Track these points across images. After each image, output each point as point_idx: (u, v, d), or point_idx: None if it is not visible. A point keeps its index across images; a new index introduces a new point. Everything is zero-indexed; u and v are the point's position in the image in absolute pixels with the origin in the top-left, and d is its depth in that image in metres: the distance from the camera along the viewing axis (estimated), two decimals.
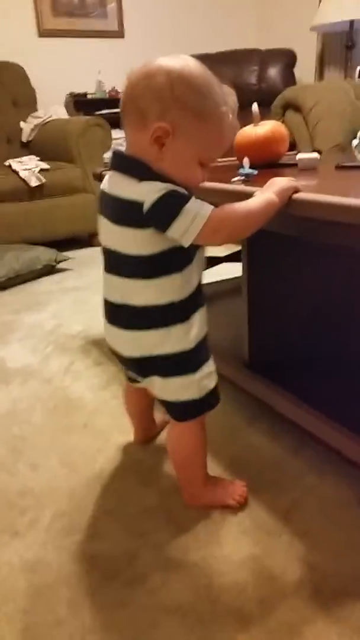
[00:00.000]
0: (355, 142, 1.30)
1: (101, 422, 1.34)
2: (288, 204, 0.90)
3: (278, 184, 0.90)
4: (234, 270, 1.31)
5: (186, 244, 0.81)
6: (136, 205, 0.81)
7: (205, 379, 0.96)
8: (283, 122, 2.79)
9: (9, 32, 3.43)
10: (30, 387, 1.54)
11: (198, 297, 0.94)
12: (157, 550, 0.94)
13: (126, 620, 0.81)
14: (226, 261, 2.04)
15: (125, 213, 0.84)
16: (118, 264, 0.89)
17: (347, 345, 1.32)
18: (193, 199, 0.81)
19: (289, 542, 0.94)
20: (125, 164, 0.86)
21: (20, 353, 1.77)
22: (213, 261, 2.05)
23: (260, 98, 3.41)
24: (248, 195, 0.90)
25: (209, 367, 0.97)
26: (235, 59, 3.70)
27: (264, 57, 3.70)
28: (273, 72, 3.67)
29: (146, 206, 0.80)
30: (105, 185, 0.91)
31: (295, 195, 0.90)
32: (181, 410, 0.97)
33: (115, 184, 0.87)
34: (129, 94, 0.84)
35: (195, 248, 0.90)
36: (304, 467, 1.12)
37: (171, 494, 1.07)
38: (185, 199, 0.80)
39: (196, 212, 0.80)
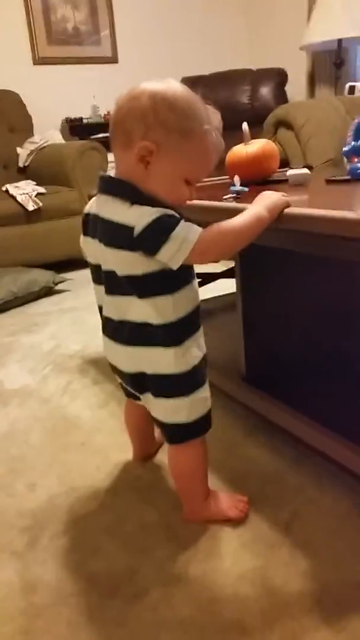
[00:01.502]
0: (345, 149, 1.31)
1: (99, 441, 1.34)
2: (279, 219, 0.91)
3: (269, 198, 0.92)
4: (231, 285, 1.33)
5: (175, 267, 0.83)
6: (127, 229, 0.83)
7: (195, 404, 0.96)
8: (275, 139, 2.84)
9: (5, 60, 3.51)
10: (28, 407, 1.54)
11: (193, 322, 0.94)
12: (157, 565, 0.93)
13: (127, 637, 0.80)
14: (223, 277, 2.06)
15: (117, 236, 0.85)
16: (114, 284, 0.91)
17: (342, 357, 1.32)
18: (182, 222, 0.82)
19: (290, 554, 0.93)
20: (115, 187, 0.88)
21: (18, 374, 1.78)
22: (210, 277, 2.07)
23: (253, 117, 3.47)
24: (239, 212, 0.91)
25: (202, 393, 0.97)
26: (228, 80, 3.77)
27: (256, 77, 3.76)
28: (265, 91, 3.73)
29: (137, 231, 0.82)
30: (92, 208, 0.93)
31: (287, 210, 0.91)
32: (172, 432, 0.98)
33: (105, 207, 0.88)
34: (116, 117, 0.86)
35: (190, 274, 0.92)
36: (303, 479, 1.12)
37: (170, 510, 1.06)
38: (173, 224, 0.81)
39: (184, 236, 0.81)
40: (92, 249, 0.94)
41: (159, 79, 0.87)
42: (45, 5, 3.58)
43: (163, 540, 0.99)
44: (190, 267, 0.93)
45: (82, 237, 0.98)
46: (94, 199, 0.95)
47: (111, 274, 0.90)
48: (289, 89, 3.79)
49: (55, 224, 2.95)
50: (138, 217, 0.82)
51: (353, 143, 1.18)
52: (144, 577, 0.91)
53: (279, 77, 3.76)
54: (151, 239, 0.82)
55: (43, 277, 2.61)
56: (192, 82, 3.85)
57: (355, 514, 1.01)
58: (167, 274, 0.86)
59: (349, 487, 1.07)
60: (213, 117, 0.89)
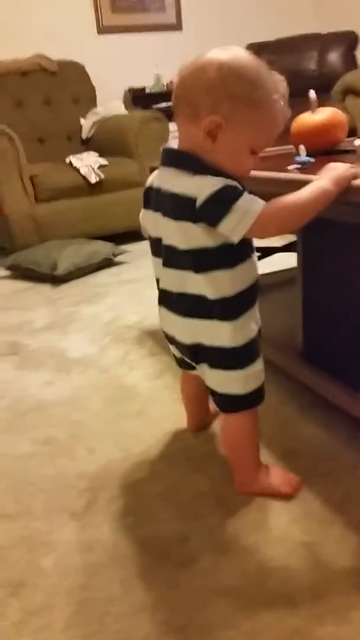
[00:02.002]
0: None
1: (155, 410, 1.37)
2: (346, 192, 0.88)
3: (335, 170, 0.89)
4: (291, 260, 1.31)
5: (236, 239, 0.83)
6: (190, 201, 0.83)
7: (250, 377, 0.96)
8: (344, 107, 2.73)
9: (70, 30, 3.52)
10: (89, 375, 1.59)
11: (250, 296, 0.94)
12: (208, 533, 0.96)
13: (177, 600, 0.83)
14: (283, 251, 2.02)
15: (179, 207, 0.86)
16: (173, 257, 0.92)
17: None
18: (245, 194, 0.82)
19: (341, 532, 0.93)
20: (178, 159, 0.88)
21: (80, 343, 1.84)
22: (269, 251, 2.04)
23: (320, 84, 3.33)
24: (303, 184, 0.89)
25: (257, 366, 0.97)
26: (294, 45, 3.64)
27: (324, 42, 3.61)
28: (334, 56, 3.58)
29: (199, 202, 0.82)
30: (154, 181, 0.94)
31: (355, 182, 0.88)
32: (225, 402, 1.00)
33: (168, 179, 0.89)
34: (181, 88, 0.86)
35: (249, 247, 0.92)
36: (358, 458, 1.11)
37: (223, 479, 1.08)
38: (236, 195, 0.81)
39: (247, 209, 0.81)
40: (153, 222, 0.95)
41: (223, 47, 0.85)
42: None
43: (214, 509, 1.01)
44: (250, 241, 0.92)
45: (142, 211, 0.99)
46: (156, 171, 0.95)
47: (171, 247, 0.91)
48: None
49: (116, 196, 2.97)
50: (200, 187, 0.82)
51: None
52: (195, 544, 0.94)
53: (349, 41, 3.59)
54: (213, 210, 0.82)
55: (103, 248, 2.65)
56: (257, 48, 3.73)
57: None
58: (226, 248, 0.86)
59: None
60: (280, 85, 0.87)
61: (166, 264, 0.95)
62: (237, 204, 0.80)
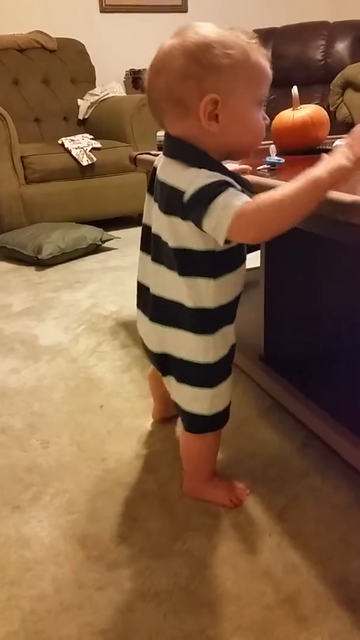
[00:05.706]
0: None
1: (117, 405, 1.36)
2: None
3: (332, 159, 0.75)
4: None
5: (221, 240, 0.76)
6: (180, 194, 0.79)
7: (219, 397, 0.94)
8: (342, 101, 2.68)
9: (71, 7, 3.44)
10: (56, 365, 1.59)
11: (230, 312, 0.91)
12: (146, 536, 0.96)
13: (104, 602, 0.83)
14: None
15: (171, 201, 0.81)
16: (161, 253, 0.88)
17: None
18: (231, 190, 0.75)
19: (278, 541, 0.93)
20: (177, 148, 0.83)
21: (53, 331, 1.83)
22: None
23: (326, 75, 3.27)
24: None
25: (226, 385, 0.94)
26: (300, 33, 3.54)
27: (332, 31, 3.51)
28: (341, 46, 3.48)
29: (187, 195, 0.78)
30: (157, 165, 0.89)
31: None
32: (189, 421, 0.97)
33: (166, 169, 0.85)
34: (157, 92, 0.82)
35: (239, 257, 0.88)
36: (308, 467, 1.10)
37: (171, 481, 1.08)
38: (222, 190, 0.75)
39: (226, 203, 0.74)
40: (149, 210, 0.91)
41: (174, 35, 0.81)
42: None
43: (157, 511, 1.01)
44: (240, 250, 0.88)
45: (147, 195, 0.93)
46: (161, 154, 0.89)
47: (158, 239, 0.87)
48: None
49: (108, 180, 2.94)
50: (191, 180, 0.77)
51: None
52: (131, 546, 0.93)
53: (358, 31, 3.50)
54: (197, 205, 0.76)
55: (91, 234, 2.63)
56: (263, 35, 3.65)
57: (354, 507, 0.99)
58: (214, 255, 0.82)
59: (353, 479, 1.05)
60: (241, 31, 0.81)
61: (153, 258, 0.90)
62: (219, 198, 0.74)
